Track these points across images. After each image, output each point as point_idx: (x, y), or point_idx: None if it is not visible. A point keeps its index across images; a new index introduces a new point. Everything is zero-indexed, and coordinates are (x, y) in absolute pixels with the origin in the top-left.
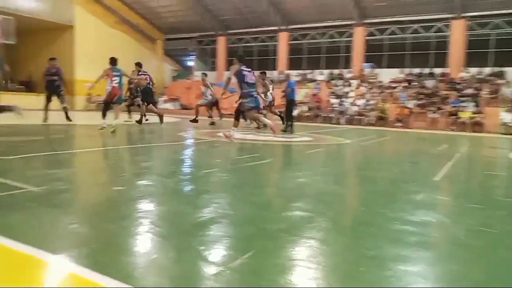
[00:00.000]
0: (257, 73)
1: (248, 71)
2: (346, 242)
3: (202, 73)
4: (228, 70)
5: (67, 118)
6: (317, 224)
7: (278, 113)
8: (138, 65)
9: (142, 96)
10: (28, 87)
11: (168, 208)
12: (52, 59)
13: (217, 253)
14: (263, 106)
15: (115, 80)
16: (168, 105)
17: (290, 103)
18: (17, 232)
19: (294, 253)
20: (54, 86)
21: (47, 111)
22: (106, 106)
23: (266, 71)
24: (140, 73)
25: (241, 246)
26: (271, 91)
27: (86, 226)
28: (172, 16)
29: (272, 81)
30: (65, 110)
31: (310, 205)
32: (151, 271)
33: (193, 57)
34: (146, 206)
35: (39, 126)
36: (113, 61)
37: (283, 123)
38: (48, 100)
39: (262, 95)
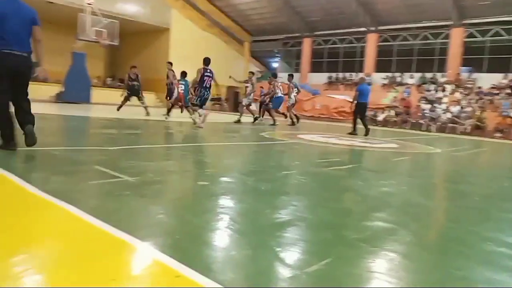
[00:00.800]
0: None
1: (209, 76)
2: (432, 259)
3: (250, 72)
4: (311, 72)
5: (147, 113)
6: (400, 237)
7: (286, 115)
8: (170, 64)
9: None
10: None
11: (247, 206)
12: (133, 67)
13: (293, 256)
14: (287, 106)
15: (181, 87)
16: (253, 106)
17: (358, 106)
18: (113, 217)
19: (373, 264)
20: (134, 89)
21: (122, 107)
22: (172, 106)
23: (293, 74)
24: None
25: (317, 251)
26: (294, 93)
27: (172, 217)
28: (260, 18)
29: (296, 85)
30: (146, 108)
31: (394, 216)
32: (228, 266)
33: (278, 59)
34: (227, 202)
35: (133, 120)
36: (182, 74)
37: (292, 124)
38: (126, 99)
39: (285, 96)
